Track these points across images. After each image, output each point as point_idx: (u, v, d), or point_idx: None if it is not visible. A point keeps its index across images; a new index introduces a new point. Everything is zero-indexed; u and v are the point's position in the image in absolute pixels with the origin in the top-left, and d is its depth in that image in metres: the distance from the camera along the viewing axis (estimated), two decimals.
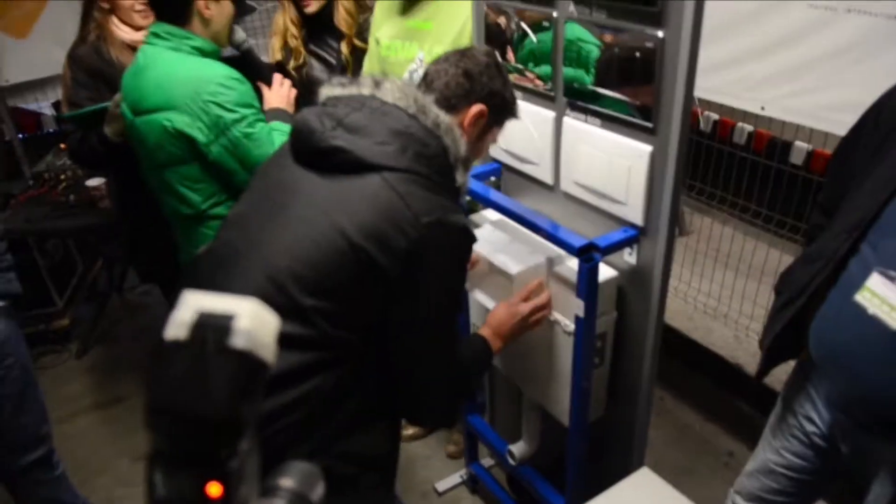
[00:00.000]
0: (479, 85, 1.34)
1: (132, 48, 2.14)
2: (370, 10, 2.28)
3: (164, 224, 2.10)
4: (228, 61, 1.93)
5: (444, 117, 1.26)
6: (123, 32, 2.17)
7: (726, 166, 2.86)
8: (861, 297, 1.19)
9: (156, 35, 1.81)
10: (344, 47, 2.24)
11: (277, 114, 1.97)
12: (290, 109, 2.01)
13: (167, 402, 0.72)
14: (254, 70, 2.10)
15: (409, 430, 2.60)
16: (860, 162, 1.29)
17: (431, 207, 1.18)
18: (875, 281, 1.17)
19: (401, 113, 1.23)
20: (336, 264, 1.16)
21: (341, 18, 2.21)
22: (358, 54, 2.26)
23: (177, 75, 1.77)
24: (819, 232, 1.38)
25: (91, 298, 3.54)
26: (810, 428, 1.43)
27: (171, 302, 2.66)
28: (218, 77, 1.76)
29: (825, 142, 2.43)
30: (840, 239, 1.24)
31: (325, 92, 1.30)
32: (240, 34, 2.10)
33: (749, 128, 2.77)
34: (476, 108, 1.34)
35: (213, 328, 0.70)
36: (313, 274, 1.16)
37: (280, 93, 2.03)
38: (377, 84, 1.27)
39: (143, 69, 1.82)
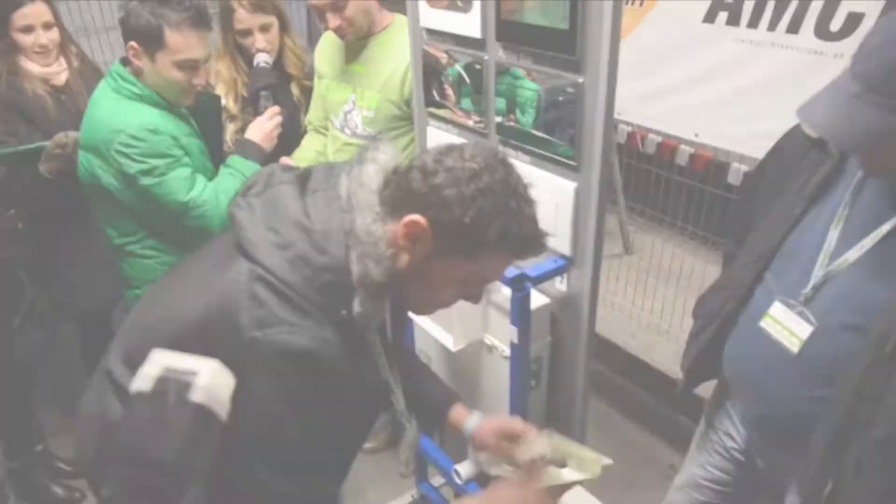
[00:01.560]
0: (428, 187, 0.97)
1: (46, 81, 2.12)
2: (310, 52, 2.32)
3: (80, 261, 2.19)
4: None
5: (363, 226, 0.97)
6: (34, 67, 2.11)
7: (665, 186, 2.99)
8: (765, 324, 1.28)
9: (110, 74, 1.83)
10: (295, 89, 2.27)
11: (244, 147, 1.97)
12: (267, 144, 1.99)
13: (125, 447, 0.79)
14: (259, 86, 2.10)
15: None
16: (764, 196, 1.38)
17: (270, 323, 0.94)
18: (776, 308, 1.27)
19: (332, 203, 1.00)
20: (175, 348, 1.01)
21: (290, 62, 2.24)
22: (307, 94, 2.30)
23: (101, 119, 1.80)
24: (731, 260, 1.48)
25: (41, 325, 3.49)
26: (730, 443, 1.52)
27: (90, 340, 2.56)
28: (131, 128, 1.74)
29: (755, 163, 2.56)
30: (746, 269, 1.34)
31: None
32: (260, 56, 2.13)
33: (690, 150, 2.91)
34: (409, 218, 0.97)
35: (175, 382, 0.78)
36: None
37: (262, 125, 1.99)
38: (361, 161, 1.04)
39: (89, 107, 1.87)
